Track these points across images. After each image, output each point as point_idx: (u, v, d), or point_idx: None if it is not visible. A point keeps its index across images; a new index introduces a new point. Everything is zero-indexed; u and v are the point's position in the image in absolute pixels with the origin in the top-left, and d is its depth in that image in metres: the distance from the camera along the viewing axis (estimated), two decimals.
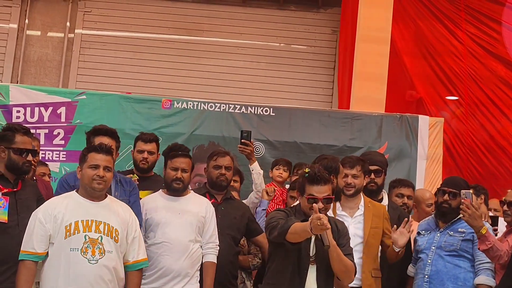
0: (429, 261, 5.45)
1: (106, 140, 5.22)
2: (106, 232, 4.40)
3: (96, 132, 5.41)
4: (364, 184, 5.55)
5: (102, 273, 4.34)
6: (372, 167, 5.77)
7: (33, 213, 4.55)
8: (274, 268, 4.55)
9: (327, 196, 4.41)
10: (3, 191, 4.84)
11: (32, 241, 4.41)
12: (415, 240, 5.70)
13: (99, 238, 4.37)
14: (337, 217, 5.33)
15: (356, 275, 5.23)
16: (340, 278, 4.48)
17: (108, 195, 4.70)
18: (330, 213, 5.03)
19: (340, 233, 4.53)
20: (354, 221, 5.40)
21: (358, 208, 5.43)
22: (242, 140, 6.35)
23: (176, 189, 5.33)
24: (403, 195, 6.32)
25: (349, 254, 4.48)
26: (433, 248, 5.48)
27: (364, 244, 5.33)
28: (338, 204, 5.47)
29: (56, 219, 4.40)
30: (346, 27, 10.03)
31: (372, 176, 5.78)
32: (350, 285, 5.25)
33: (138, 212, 5.19)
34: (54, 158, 7.47)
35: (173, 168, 5.34)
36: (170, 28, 11.05)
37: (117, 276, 4.45)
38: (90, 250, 4.32)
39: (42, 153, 7.25)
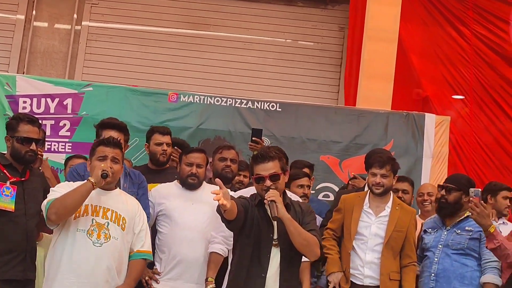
0: (436, 259, 5.46)
1: (114, 134, 5.23)
2: (113, 219, 4.41)
3: (104, 126, 5.41)
4: (394, 183, 5.57)
5: (104, 257, 4.32)
6: None
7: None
8: (236, 255, 4.46)
9: (273, 173, 4.30)
10: (11, 180, 4.86)
11: None
12: (421, 238, 5.70)
13: (106, 224, 4.38)
14: (362, 212, 5.42)
15: (374, 275, 5.27)
16: (303, 253, 4.34)
17: (118, 188, 4.69)
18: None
19: (304, 213, 4.43)
20: (378, 220, 5.42)
21: (384, 209, 5.44)
22: (253, 138, 6.32)
23: (191, 185, 5.37)
24: (397, 189, 6.34)
25: (313, 230, 4.36)
26: (440, 246, 5.48)
27: (384, 246, 5.34)
28: (366, 199, 5.49)
29: None
30: (354, 24, 9.99)
31: None
32: (368, 283, 5.29)
33: (146, 205, 5.21)
34: (60, 150, 7.46)
35: (188, 164, 5.37)
36: (177, 22, 11.01)
37: (119, 264, 4.41)
38: (96, 233, 4.34)
39: (48, 145, 7.26)
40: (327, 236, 5.52)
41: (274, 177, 4.32)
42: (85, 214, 4.37)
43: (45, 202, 4.36)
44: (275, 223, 4.31)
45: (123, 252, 4.44)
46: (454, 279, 5.39)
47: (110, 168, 4.40)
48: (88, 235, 4.33)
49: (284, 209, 4.24)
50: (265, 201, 4.23)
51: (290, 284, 4.39)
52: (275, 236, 4.34)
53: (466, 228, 5.47)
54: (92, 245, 4.32)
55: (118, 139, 4.76)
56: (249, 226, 4.35)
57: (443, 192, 5.59)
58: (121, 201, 4.53)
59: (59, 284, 4.30)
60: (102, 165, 4.36)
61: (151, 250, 4.64)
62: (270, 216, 4.20)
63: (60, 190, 4.39)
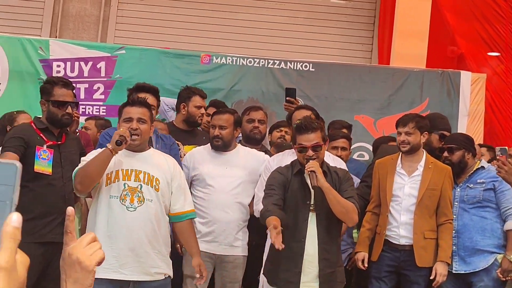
0: (455, 216, 5.45)
1: (148, 98, 5.20)
2: (146, 181, 4.37)
3: (138, 89, 5.37)
4: (424, 141, 5.49)
5: (139, 221, 4.32)
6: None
7: None
8: None
9: (316, 144, 4.52)
10: (47, 144, 4.88)
11: None
12: None
13: (139, 187, 4.35)
14: (395, 175, 5.41)
15: (409, 235, 5.26)
16: (342, 219, 4.54)
17: (152, 148, 4.68)
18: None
19: (341, 180, 4.62)
20: (411, 180, 5.40)
21: (417, 168, 5.41)
22: (287, 98, 6.28)
23: (215, 147, 5.35)
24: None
25: (351, 197, 4.54)
26: (456, 203, 5.48)
27: (417, 205, 5.31)
28: (399, 161, 5.47)
29: None
30: None
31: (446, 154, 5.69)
32: (404, 242, 5.27)
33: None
34: (94, 113, 7.51)
35: (212, 126, 5.37)
36: None
37: (158, 225, 4.41)
38: (128, 198, 4.31)
39: (82, 108, 7.31)
40: (368, 210, 5.54)
41: (316, 148, 4.53)
42: (116, 179, 4.34)
43: (74, 171, 4.38)
44: (313, 191, 4.51)
45: (159, 214, 4.42)
46: (475, 233, 5.40)
47: (136, 129, 4.37)
48: (121, 200, 4.32)
49: (324, 178, 4.44)
50: (305, 171, 4.47)
51: (329, 247, 4.56)
52: (312, 202, 4.54)
53: (478, 180, 5.47)
54: (126, 210, 4.31)
55: (145, 98, 4.70)
56: (288, 196, 4.56)
57: (445, 154, 5.57)
58: (154, 161, 4.48)
59: None
60: (121, 129, 4.27)
61: (193, 208, 4.66)
62: (310, 185, 4.45)
63: (89, 158, 4.38)
